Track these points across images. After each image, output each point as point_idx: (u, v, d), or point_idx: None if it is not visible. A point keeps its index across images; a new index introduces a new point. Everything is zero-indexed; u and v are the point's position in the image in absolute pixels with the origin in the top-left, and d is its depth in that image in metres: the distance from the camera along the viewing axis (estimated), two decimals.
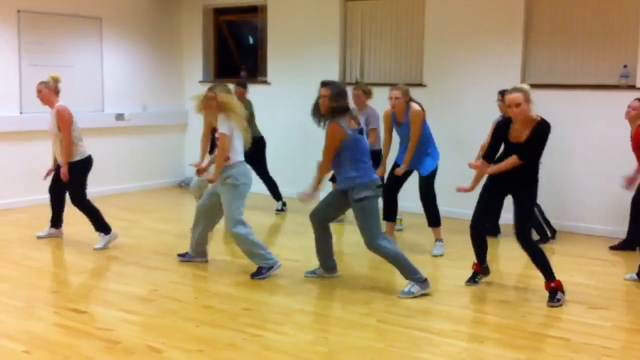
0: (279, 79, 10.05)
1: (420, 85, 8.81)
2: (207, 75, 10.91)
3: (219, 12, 10.89)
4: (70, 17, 9.31)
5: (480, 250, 5.80)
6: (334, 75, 9.50)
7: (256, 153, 7.92)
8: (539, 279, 5.58)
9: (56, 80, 6.82)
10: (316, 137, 9.61)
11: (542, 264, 5.40)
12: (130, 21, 10.13)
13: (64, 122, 6.69)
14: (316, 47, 9.65)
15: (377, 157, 7.14)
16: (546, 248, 6.06)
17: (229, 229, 6.03)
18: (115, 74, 9.97)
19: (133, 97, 10.28)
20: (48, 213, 7.22)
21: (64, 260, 6.68)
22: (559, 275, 5.45)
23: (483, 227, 5.77)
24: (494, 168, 5.44)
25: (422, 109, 6.89)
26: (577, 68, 7.97)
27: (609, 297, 5.68)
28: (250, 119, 8.06)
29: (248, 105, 8.35)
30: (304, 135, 9.65)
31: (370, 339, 4.66)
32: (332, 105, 5.52)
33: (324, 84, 5.66)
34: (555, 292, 5.35)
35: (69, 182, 6.80)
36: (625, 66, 7.58)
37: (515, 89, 5.27)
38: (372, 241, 5.50)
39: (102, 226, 6.87)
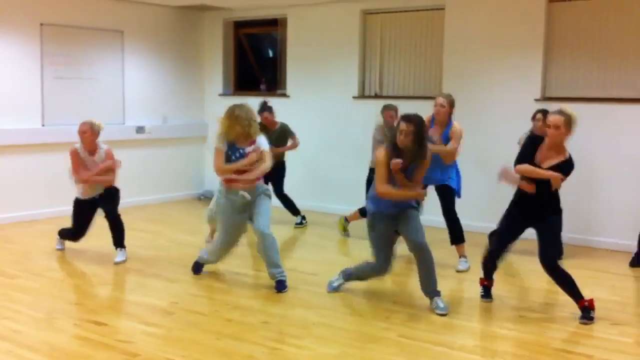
0: (298, 92, 10.08)
1: None
2: (227, 88, 10.96)
3: (239, 25, 10.95)
4: (92, 30, 9.40)
5: (492, 270, 5.82)
6: (353, 88, 9.52)
7: (277, 174, 8.39)
8: (560, 293, 5.53)
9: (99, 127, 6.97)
10: (335, 150, 9.67)
11: (569, 287, 5.33)
12: (152, 34, 10.21)
13: (113, 158, 6.94)
14: (335, 60, 9.67)
15: None
16: (569, 264, 6.01)
17: (267, 230, 6.01)
18: (136, 86, 10.05)
19: (154, 110, 10.35)
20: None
21: (86, 272, 6.72)
22: (581, 290, 5.40)
23: (500, 255, 5.76)
24: (539, 171, 5.32)
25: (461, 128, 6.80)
26: (598, 81, 7.91)
27: (632, 312, 5.61)
28: (276, 143, 8.17)
29: (275, 130, 8.53)
30: (324, 148, 9.66)
31: (390, 353, 4.64)
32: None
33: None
34: (588, 310, 5.29)
35: (112, 202, 6.97)
36: None
37: (560, 112, 5.23)
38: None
39: (122, 241, 6.95)
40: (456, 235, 6.89)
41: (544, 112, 6.79)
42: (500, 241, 5.65)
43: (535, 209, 5.40)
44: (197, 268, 6.52)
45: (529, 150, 5.40)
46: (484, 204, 8.20)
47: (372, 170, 7.58)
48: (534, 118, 7.15)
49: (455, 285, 6.38)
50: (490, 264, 5.75)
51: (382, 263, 5.69)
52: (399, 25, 9.31)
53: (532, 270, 6.81)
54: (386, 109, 7.71)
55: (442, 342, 4.87)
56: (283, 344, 4.76)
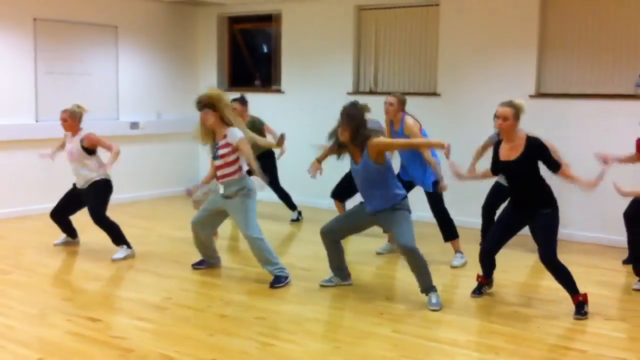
0: (293, 88, 10.07)
1: (435, 94, 8.80)
2: (221, 83, 10.94)
3: (233, 20, 10.93)
4: (86, 25, 9.37)
5: (490, 269, 5.80)
6: (347, 84, 9.51)
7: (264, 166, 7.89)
8: (554, 289, 5.54)
9: (81, 110, 6.94)
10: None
11: (566, 281, 5.33)
12: (146, 30, 10.19)
13: (98, 140, 6.82)
14: (330, 56, 9.66)
15: None
16: (562, 260, 6.00)
17: (247, 232, 5.99)
18: (130, 82, 10.03)
19: (148, 105, 10.33)
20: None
21: (78, 268, 6.70)
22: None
23: (496, 252, 5.73)
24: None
25: (417, 121, 6.81)
26: (592, 78, 7.92)
27: (625, 308, 5.63)
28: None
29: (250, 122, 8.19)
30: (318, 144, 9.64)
31: (383, 348, 4.64)
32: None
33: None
34: (582, 305, 5.30)
35: (93, 200, 6.83)
36: None
37: (509, 104, 5.37)
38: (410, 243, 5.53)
39: (122, 240, 6.88)
40: (448, 232, 6.88)
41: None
42: (496, 235, 5.63)
43: (527, 205, 5.41)
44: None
45: (493, 159, 5.57)
46: (477, 199, 8.20)
47: None
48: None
49: (449, 280, 6.38)
50: (486, 260, 5.73)
51: (325, 225, 5.88)
52: (394, 22, 9.30)
53: (526, 265, 6.84)
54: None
55: (435, 338, 4.87)
56: (276, 340, 4.76)
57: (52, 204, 6.99)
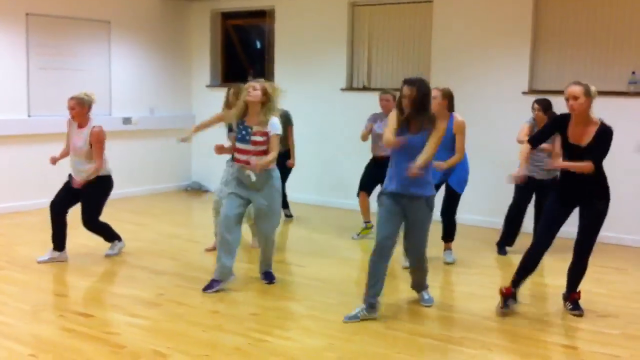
0: (286, 84, 9.97)
1: None
2: (214, 79, 10.91)
3: (226, 16, 10.90)
4: (78, 20, 9.33)
5: (528, 274, 5.42)
6: (341, 80, 9.50)
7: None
8: (549, 286, 5.56)
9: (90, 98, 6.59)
10: (322, 142, 9.65)
11: (579, 277, 5.31)
12: (139, 25, 10.15)
13: (101, 142, 6.46)
14: (323, 51, 9.65)
15: None
16: (556, 257, 6.02)
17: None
18: (123, 77, 9.99)
19: (141, 101, 10.29)
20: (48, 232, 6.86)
21: (72, 264, 6.67)
22: (565, 282, 5.43)
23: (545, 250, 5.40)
24: (565, 164, 5.16)
25: None
26: (585, 74, 7.91)
27: (618, 305, 5.64)
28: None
29: None
30: (312, 140, 9.64)
31: (377, 345, 4.64)
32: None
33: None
34: (577, 302, 5.32)
35: (89, 200, 6.56)
36: (633, 72, 7.56)
37: (576, 82, 5.06)
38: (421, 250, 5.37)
39: (113, 237, 6.81)
40: (449, 233, 6.86)
41: (538, 102, 6.92)
42: (547, 231, 5.29)
43: (581, 194, 5.17)
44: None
45: (548, 130, 5.33)
46: (475, 195, 8.23)
47: (373, 159, 7.57)
48: (532, 108, 7.15)
49: (443, 277, 6.38)
50: (531, 263, 5.35)
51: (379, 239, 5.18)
52: (387, 17, 9.30)
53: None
54: (383, 93, 7.47)
55: (429, 334, 4.88)
56: (269, 336, 4.76)
57: (46, 199, 6.89)
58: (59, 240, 6.62)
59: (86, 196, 6.52)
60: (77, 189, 6.47)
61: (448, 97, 6.46)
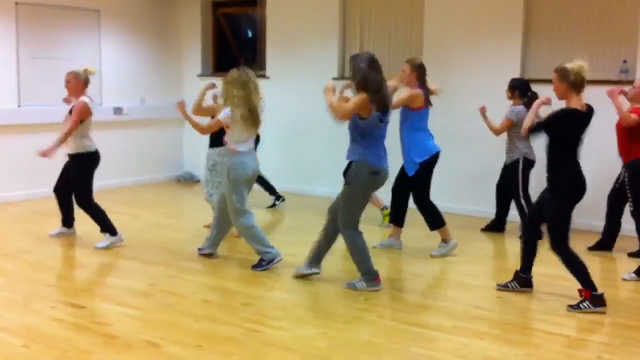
0: (277, 73, 10.02)
1: None
2: (205, 68, 10.87)
3: (217, 5, 10.84)
4: (68, 9, 9.27)
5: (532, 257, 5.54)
6: (332, 69, 9.48)
7: None
8: (540, 275, 5.57)
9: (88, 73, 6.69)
10: (314, 131, 9.63)
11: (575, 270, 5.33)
12: (129, 14, 10.09)
13: (78, 112, 6.49)
14: (315, 41, 9.62)
15: None
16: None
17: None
18: (113, 67, 9.93)
19: (131, 91, 10.24)
20: (52, 210, 7.10)
21: (62, 255, 6.66)
22: (556, 270, 5.46)
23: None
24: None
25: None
26: None
27: (608, 294, 5.65)
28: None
29: None
30: (304, 129, 9.63)
31: (369, 334, 4.66)
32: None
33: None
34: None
35: (75, 176, 6.62)
36: (624, 61, 7.57)
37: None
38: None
39: (108, 227, 6.74)
40: (430, 221, 6.66)
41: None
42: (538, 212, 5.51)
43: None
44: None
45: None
46: (463, 184, 8.24)
47: None
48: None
49: (434, 267, 6.39)
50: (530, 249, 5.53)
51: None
52: (379, 7, 9.27)
53: (512, 252, 6.86)
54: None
55: (420, 323, 4.89)
56: (263, 326, 4.76)
57: (36, 190, 6.90)
58: (67, 218, 7.01)
59: (72, 173, 6.65)
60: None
61: (417, 70, 6.56)
